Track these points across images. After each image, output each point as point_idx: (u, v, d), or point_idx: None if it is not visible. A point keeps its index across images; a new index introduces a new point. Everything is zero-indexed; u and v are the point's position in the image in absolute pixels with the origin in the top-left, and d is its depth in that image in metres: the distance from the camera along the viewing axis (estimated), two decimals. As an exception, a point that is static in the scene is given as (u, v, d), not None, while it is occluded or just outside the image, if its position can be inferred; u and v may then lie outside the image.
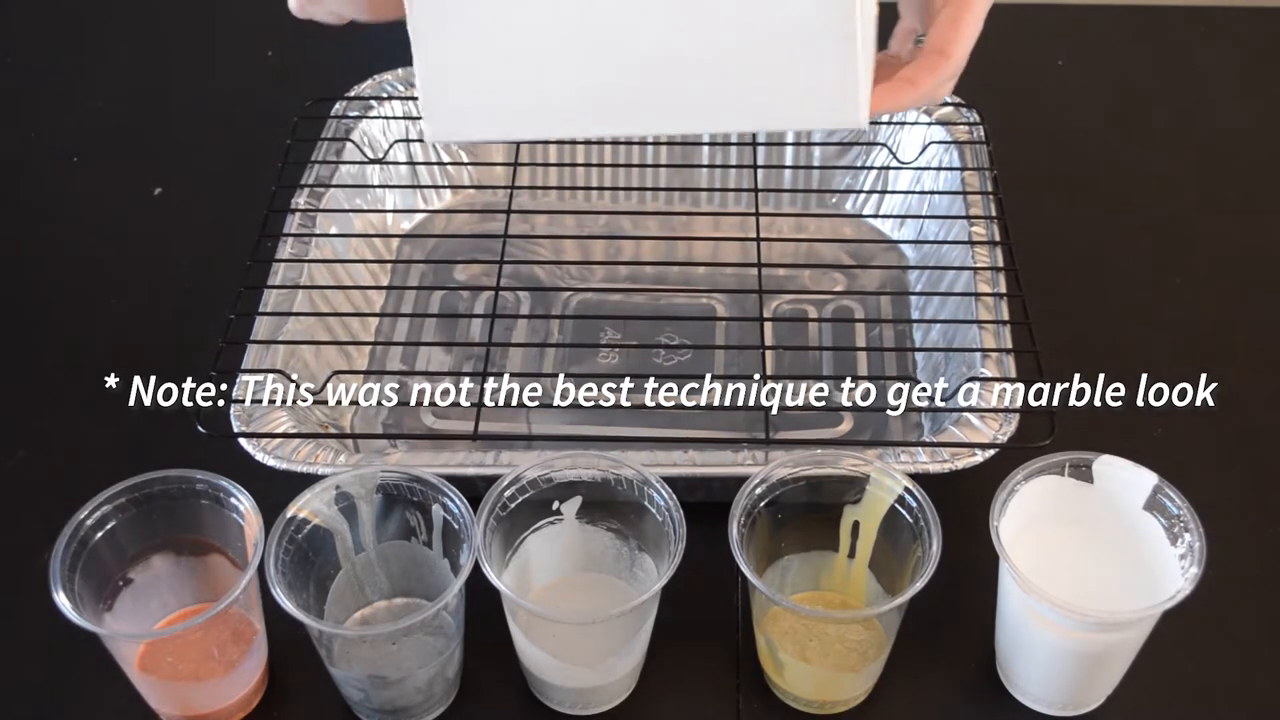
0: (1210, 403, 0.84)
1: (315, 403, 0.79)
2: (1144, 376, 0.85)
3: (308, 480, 0.69)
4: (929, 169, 0.92)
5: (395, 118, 0.96)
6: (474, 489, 0.69)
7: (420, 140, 0.96)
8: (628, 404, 0.83)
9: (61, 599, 0.63)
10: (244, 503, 0.67)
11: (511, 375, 0.86)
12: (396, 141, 0.96)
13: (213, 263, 0.92)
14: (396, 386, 0.86)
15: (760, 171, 0.92)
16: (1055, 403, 0.75)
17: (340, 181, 0.91)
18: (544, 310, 0.91)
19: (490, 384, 0.86)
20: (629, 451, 0.73)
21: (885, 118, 0.95)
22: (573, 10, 0.54)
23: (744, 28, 0.54)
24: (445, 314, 0.91)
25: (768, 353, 0.81)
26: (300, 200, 0.89)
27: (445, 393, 0.86)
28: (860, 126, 0.55)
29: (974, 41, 0.59)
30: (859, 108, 0.55)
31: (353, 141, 0.93)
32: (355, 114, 0.95)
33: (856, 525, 0.71)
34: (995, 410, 0.75)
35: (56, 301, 0.92)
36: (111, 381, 0.85)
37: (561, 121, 0.58)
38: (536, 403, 0.84)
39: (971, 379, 0.77)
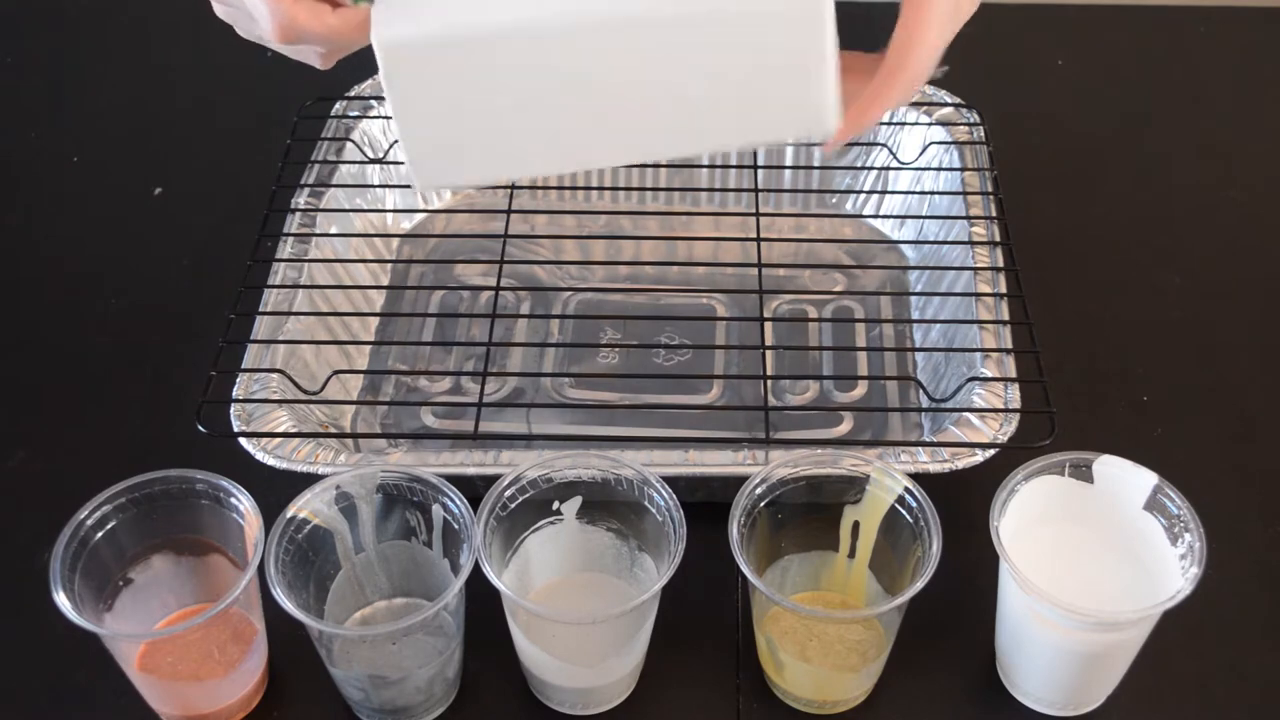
0: (1210, 403, 0.84)
1: (315, 402, 0.79)
2: (1144, 376, 0.85)
3: (308, 480, 0.69)
4: (929, 169, 0.92)
5: (395, 117, 0.96)
6: (474, 489, 0.69)
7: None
8: (628, 404, 0.83)
9: (61, 599, 0.63)
10: (244, 503, 0.67)
11: (511, 375, 0.86)
12: (396, 141, 0.95)
13: (213, 263, 0.92)
14: (396, 386, 0.86)
15: (760, 171, 0.92)
16: (1055, 403, 0.75)
17: (340, 181, 0.91)
18: (544, 310, 0.91)
19: (490, 384, 0.86)
20: (629, 451, 0.73)
21: (885, 117, 0.95)
22: (548, 65, 0.56)
23: (719, 66, 0.56)
24: (445, 314, 0.91)
25: (768, 353, 0.81)
26: (300, 200, 0.89)
27: (445, 392, 0.86)
28: (831, 133, 0.58)
29: (932, 56, 0.60)
30: (832, 118, 0.58)
31: (353, 141, 0.93)
32: (355, 114, 0.95)
33: (856, 525, 0.71)
34: (995, 410, 0.75)
35: (57, 301, 0.92)
36: (111, 381, 0.85)
37: (544, 163, 0.61)
38: (536, 403, 0.85)
39: (972, 379, 0.77)
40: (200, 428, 0.74)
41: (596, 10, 0.55)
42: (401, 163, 0.96)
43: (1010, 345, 0.79)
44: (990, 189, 0.89)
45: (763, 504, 0.69)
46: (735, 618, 0.74)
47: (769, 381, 0.78)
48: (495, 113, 0.58)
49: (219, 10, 0.58)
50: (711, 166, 0.95)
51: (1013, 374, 0.77)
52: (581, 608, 0.72)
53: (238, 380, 0.77)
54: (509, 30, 0.55)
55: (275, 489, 0.70)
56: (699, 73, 0.57)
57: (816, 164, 0.97)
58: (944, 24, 0.58)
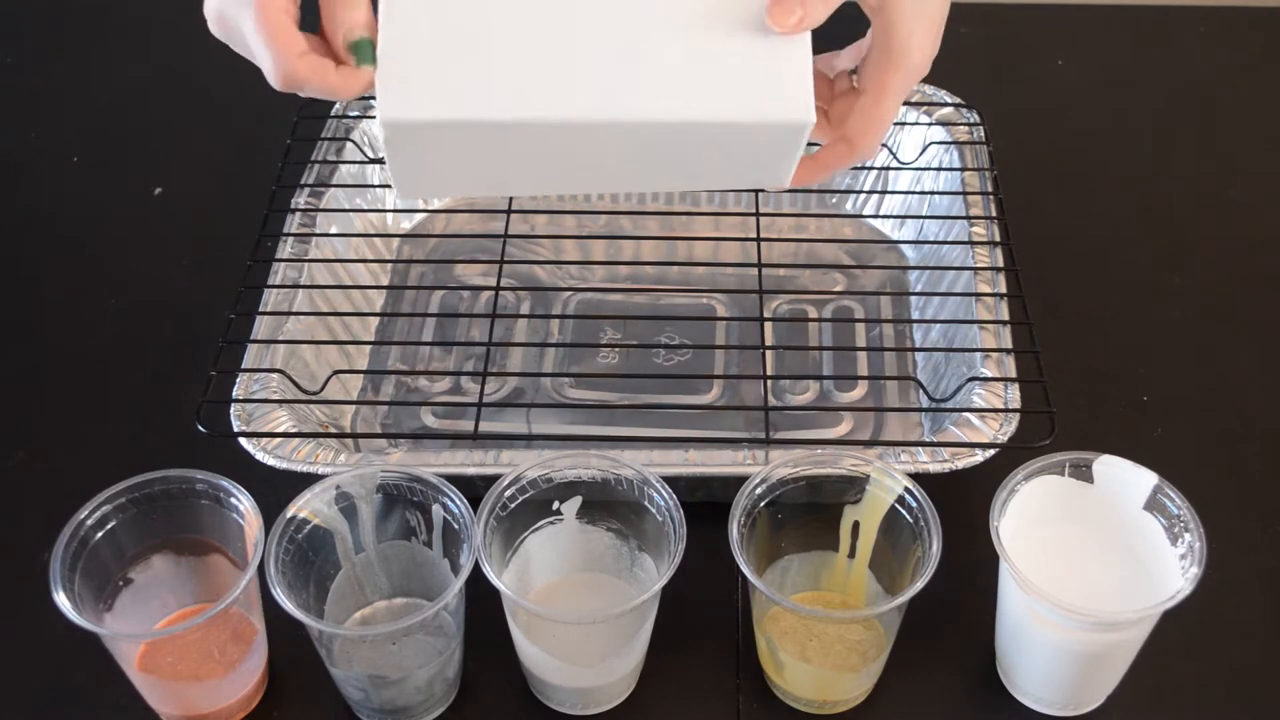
0: (1210, 403, 0.84)
1: (315, 402, 0.79)
2: (1144, 376, 0.85)
3: (308, 480, 0.69)
4: (929, 169, 0.92)
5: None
6: (474, 489, 0.69)
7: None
8: (628, 404, 0.83)
9: (61, 599, 0.63)
10: (244, 503, 0.67)
11: (511, 375, 0.86)
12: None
13: (213, 263, 0.92)
14: (396, 386, 0.86)
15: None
16: (1055, 403, 0.75)
17: (340, 181, 0.91)
18: (544, 310, 0.91)
19: (490, 384, 0.86)
20: (629, 451, 0.73)
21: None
22: (544, 145, 0.59)
23: (703, 156, 0.61)
24: (445, 314, 0.91)
25: (768, 353, 0.81)
26: (300, 200, 0.89)
27: (445, 392, 0.86)
28: (783, 187, 0.64)
29: (885, 132, 0.64)
30: (788, 180, 0.64)
31: (353, 141, 0.93)
32: (355, 114, 0.95)
33: (856, 525, 0.71)
34: (995, 410, 0.75)
35: (56, 301, 0.92)
36: (111, 381, 0.85)
37: (521, 190, 0.70)
38: (536, 403, 0.85)
39: (972, 379, 0.77)
40: (200, 428, 0.74)
41: (600, 105, 0.57)
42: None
43: (1010, 345, 0.79)
44: (990, 189, 0.88)
45: (763, 504, 0.69)
46: (735, 618, 0.74)
47: (769, 381, 0.78)
48: (485, 165, 0.60)
49: (215, 29, 0.58)
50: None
51: (1013, 374, 0.77)
52: (581, 608, 0.72)
53: (238, 380, 0.77)
54: (513, 120, 0.57)
55: (275, 489, 0.70)
56: (684, 157, 0.60)
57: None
58: (900, 103, 0.63)
